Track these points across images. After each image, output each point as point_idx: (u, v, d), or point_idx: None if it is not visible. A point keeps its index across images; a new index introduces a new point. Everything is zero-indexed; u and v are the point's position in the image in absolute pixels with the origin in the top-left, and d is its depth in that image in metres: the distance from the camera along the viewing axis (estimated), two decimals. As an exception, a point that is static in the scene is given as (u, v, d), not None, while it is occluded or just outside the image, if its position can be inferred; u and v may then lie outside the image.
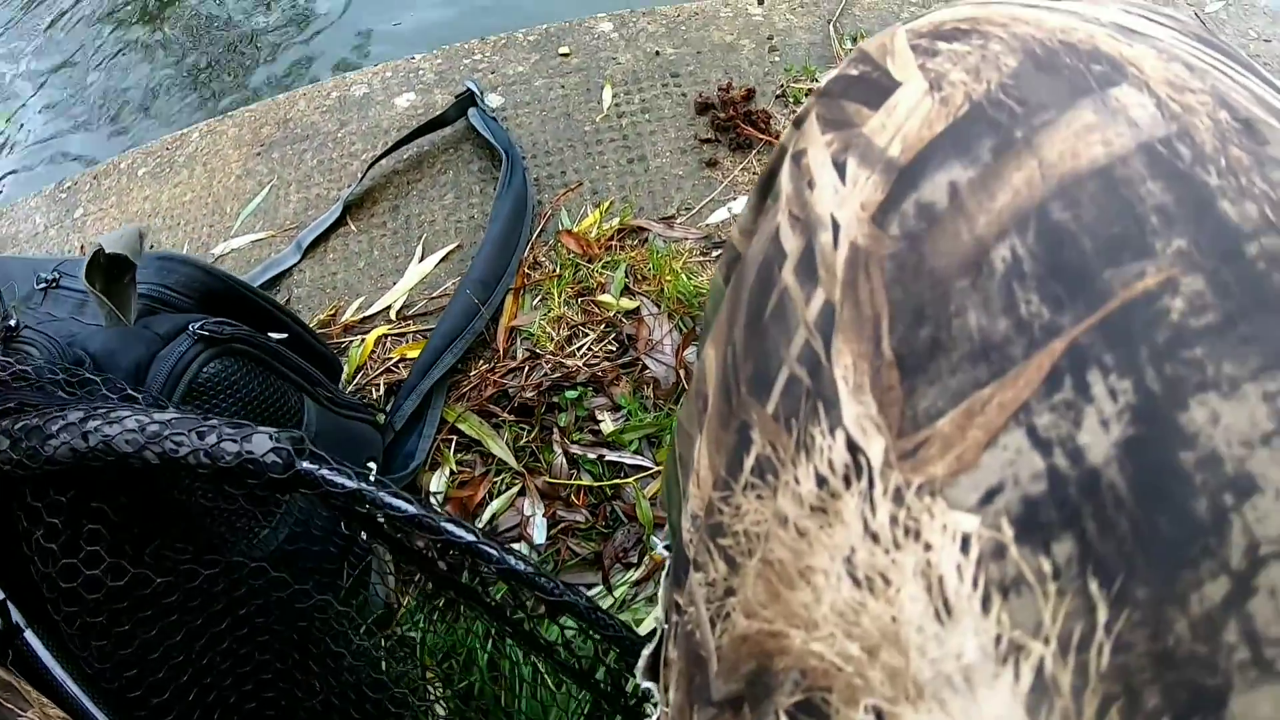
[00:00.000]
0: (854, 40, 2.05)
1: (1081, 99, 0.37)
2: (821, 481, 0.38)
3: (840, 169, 0.41)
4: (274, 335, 1.09)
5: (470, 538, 0.70)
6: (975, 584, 0.31)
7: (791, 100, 1.89)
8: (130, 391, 0.73)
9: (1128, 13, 0.45)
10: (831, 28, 2.09)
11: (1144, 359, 0.30)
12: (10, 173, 3.23)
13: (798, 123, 0.47)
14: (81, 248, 1.91)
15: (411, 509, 0.70)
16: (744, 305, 0.45)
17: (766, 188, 0.49)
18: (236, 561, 0.75)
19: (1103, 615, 0.29)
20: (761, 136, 1.76)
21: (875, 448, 0.35)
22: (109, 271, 0.85)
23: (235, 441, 0.65)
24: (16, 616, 0.62)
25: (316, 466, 0.66)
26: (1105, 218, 0.33)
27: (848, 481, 0.37)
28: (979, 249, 0.35)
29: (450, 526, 0.70)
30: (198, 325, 0.93)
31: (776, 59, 2.01)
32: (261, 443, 0.65)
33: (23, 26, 4.19)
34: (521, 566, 0.70)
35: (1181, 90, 0.37)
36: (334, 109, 1.97)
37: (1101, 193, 0.34)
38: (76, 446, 0.62)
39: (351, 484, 0.67)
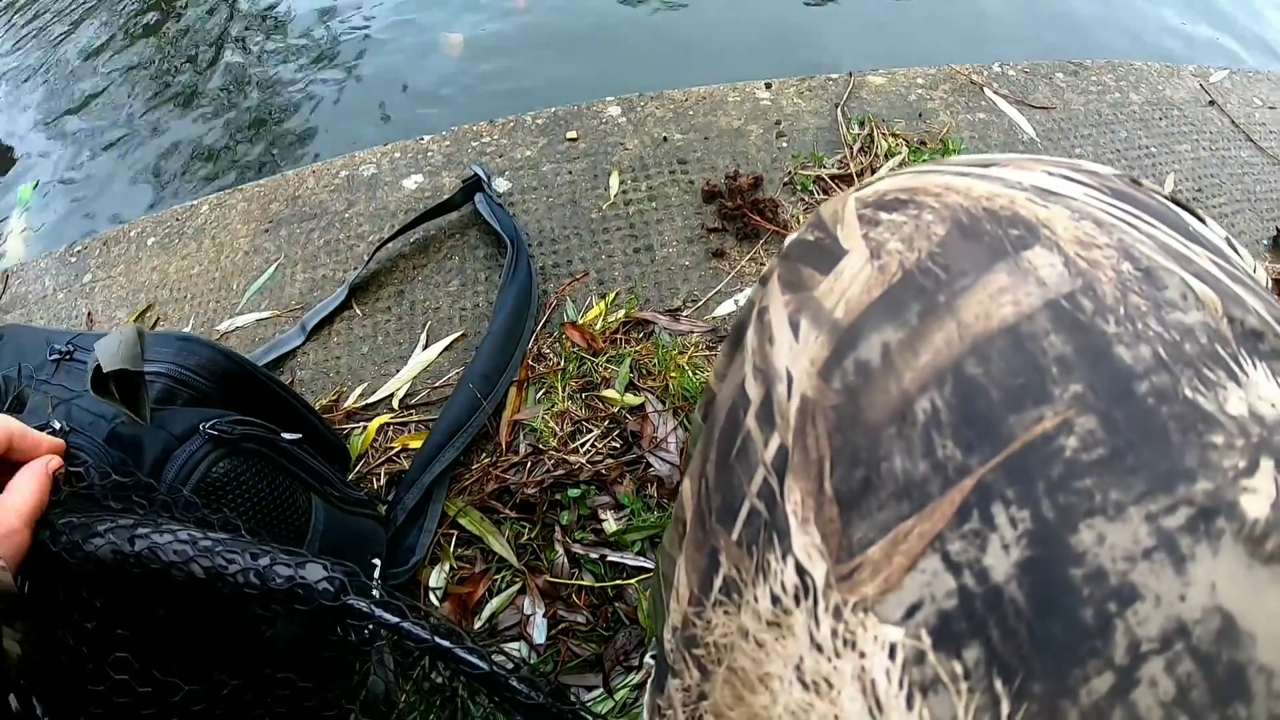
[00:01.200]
0: (861, 124, 2.09)
1: (998, 263, 0.44)
2: (776, 600, 0.45)
3: (795, 328, 0.50)
4: (287, 435, 1.09)
5: (433, 641, 0.71)
6: (901, 685, 0.38)
7: (799, 188, 1.91)
8: (190, 497, 0.77)
9: (1050, 174, 0.53)
10: (839, 112, 2.13)
11: (1040, 491, 0.36)
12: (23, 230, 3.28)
13: (764, 281, 0.56)
14: (89, 315, 1.93)
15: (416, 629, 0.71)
16: (715, 444, 0.53)
17: (738, 337, 0.56)
18: (265, 674, 0.77)
19: (1006, 709, 0.35)
20: (768, 226, 1.77)
21: (819, 572, 0.43)
22: (118, 383, 0.86)
23: (289, 566, 0.68)
24: (40, 710, 0.63)
25: (364, 602, 0.69)
26: (1011, 370, 0.40)
27: (797, 600, 0.44)
28: (904, 401, 0.42)
29: (418, 632, 0.72)
30: (209, 425, 0.94)
31: (784, 145, 2.04)
32: (315, 571, 0.69)
33: (44, 84, 4.28)
34: (488, 669, 0.71)
35: (1089, 246, 0.45)
36: (342, 188, 2.00)
37: (1009, 348, 0.41)
38: (121, 549, 0.64)
39: (394, 619, 0.69)
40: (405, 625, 0.70)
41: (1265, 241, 2.12)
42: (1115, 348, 0.40)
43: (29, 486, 0.65)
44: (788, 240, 0.57)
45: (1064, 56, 2.58)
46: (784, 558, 0.45)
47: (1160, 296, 0.42)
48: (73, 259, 2.08)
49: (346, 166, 2.05)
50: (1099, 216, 0.47)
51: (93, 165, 3.54)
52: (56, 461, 0.70)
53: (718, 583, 0.50)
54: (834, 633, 0.42)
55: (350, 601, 0.68)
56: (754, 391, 0.50)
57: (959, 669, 0.36)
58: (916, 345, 0.43)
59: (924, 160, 1.96)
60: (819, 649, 0.42)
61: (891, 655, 0.39)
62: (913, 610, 0.38)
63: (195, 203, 2.11)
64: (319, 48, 3.86)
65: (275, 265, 1.88)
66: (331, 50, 3.80)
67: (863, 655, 0.40)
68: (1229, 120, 2.48)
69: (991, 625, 0.36)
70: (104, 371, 0.83)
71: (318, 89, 3.56)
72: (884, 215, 0.51)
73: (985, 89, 2.31)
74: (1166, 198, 0.61)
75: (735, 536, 0.49)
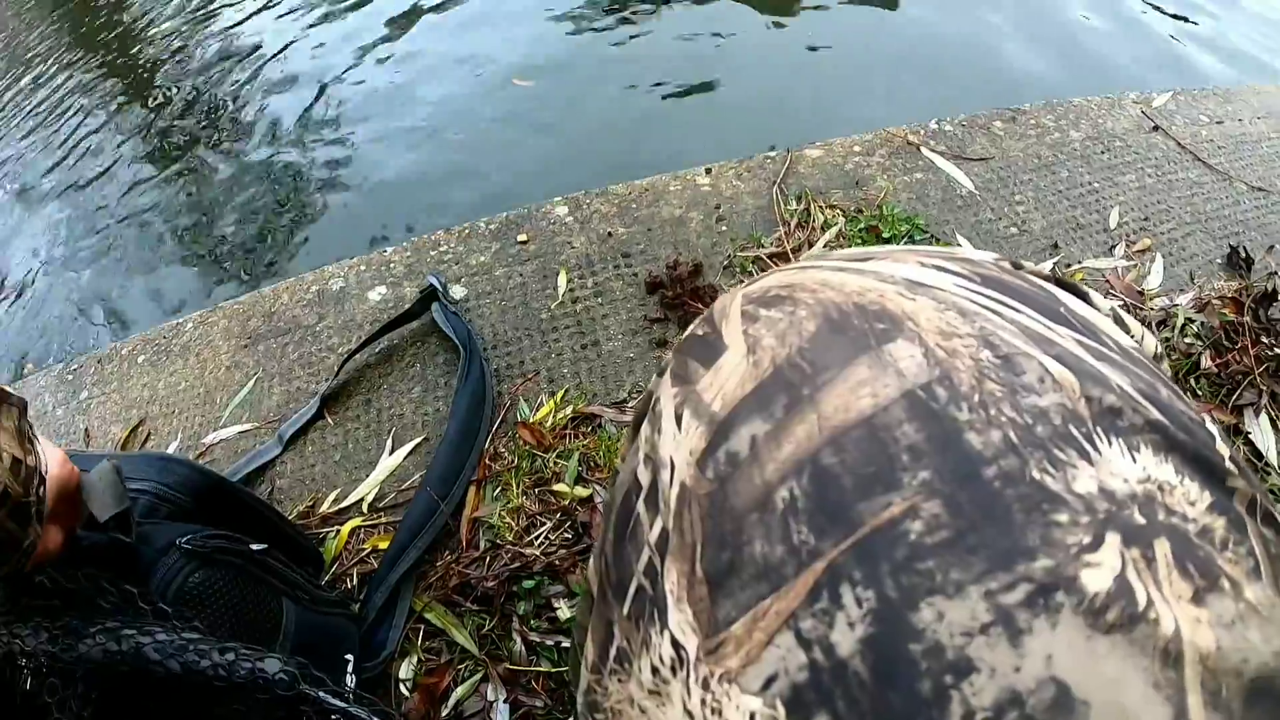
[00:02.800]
0: (799, 199, 2.18)
1: (860, 356, 0.49)
2: (655, 670, 0.49)
3: (679, 419, 0.55)
4: (255, 546, 1.21)
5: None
6: None
7: (739, 270, 2.01)
8: (163, 606, 0.89)
9: (922, 265, 0.59)
10: (776, 190, 2.22)
11: (885, 573, 0.40)
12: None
13: (660, 373, 0.62)
14: (86, 431, 2.06)
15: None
16: (612, 526, 0.58)
17: (636, 425, 0.63)
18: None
19: None
20: None
21: (691, 645, 0.47)
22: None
23: (249, 660, 0.83)
24: None
25: (316, 688, 0.84)
26: (864, 459, 0.44)
27: (674, 670, 0.48)
28: (766, 490, 0.46)
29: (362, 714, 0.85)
30: (185, 540, 1.07)
31: (724, 229, 2.14)
32: (272, 664, 0.83)
33: (40, 198, 4.47)
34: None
35: (950, 336, 0.50)
36: (313, 302, 2.13)
37: (864, 438, 0.45)
38: (109, 649, 0.78)
39: (342, 704, 0.83)
40: (353, 710, 0.83)
41: (1219, 261, 2.15)
42: (966, 434, 0.44)
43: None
44: (683, 335, 0.62)
45: (1005, 104, 2.62)
46: (662, 632, 0.49)
47: (1017, 382, 0.47)
48: (70, 377, 2.22)
49: (317, 281, 2.19)
50: (964, 306, 0.52)
51: (80, 282, 3.72)
52: None
53: (613, 652, 0.54)
54: (703, 701, 0.45)
55: (304, 690, 0.81)
56: (644, 477, 0.55)
57: None
58: (780, 437, 0.47)
59: (860, 229, 2.05)
60: (690, 716, 0.46)
61: None
62: (769, 682, 0.42)
63: (180, 320, 2.25)
64: (294, 157, 4.04)
65: (254, 380, 2.01)
66: (304, 162, 3.99)
67: None
68: (1175, 142, 2.52)
69: (838, 696, 0.39)
70: (99, 521, 0.96)
71: (295, 200, 3.74)
72: (764, 311, 0.57)
73: (921, 148, 2.37)
74: (1046, 278, 0.66)
75: (626, 610, 0.53)
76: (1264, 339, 1.88)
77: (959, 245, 2.01)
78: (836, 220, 2.10)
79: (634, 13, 4.40)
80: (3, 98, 6.88)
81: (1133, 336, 0.79)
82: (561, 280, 2.04)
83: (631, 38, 4.26)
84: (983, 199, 2.23)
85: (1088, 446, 0.44)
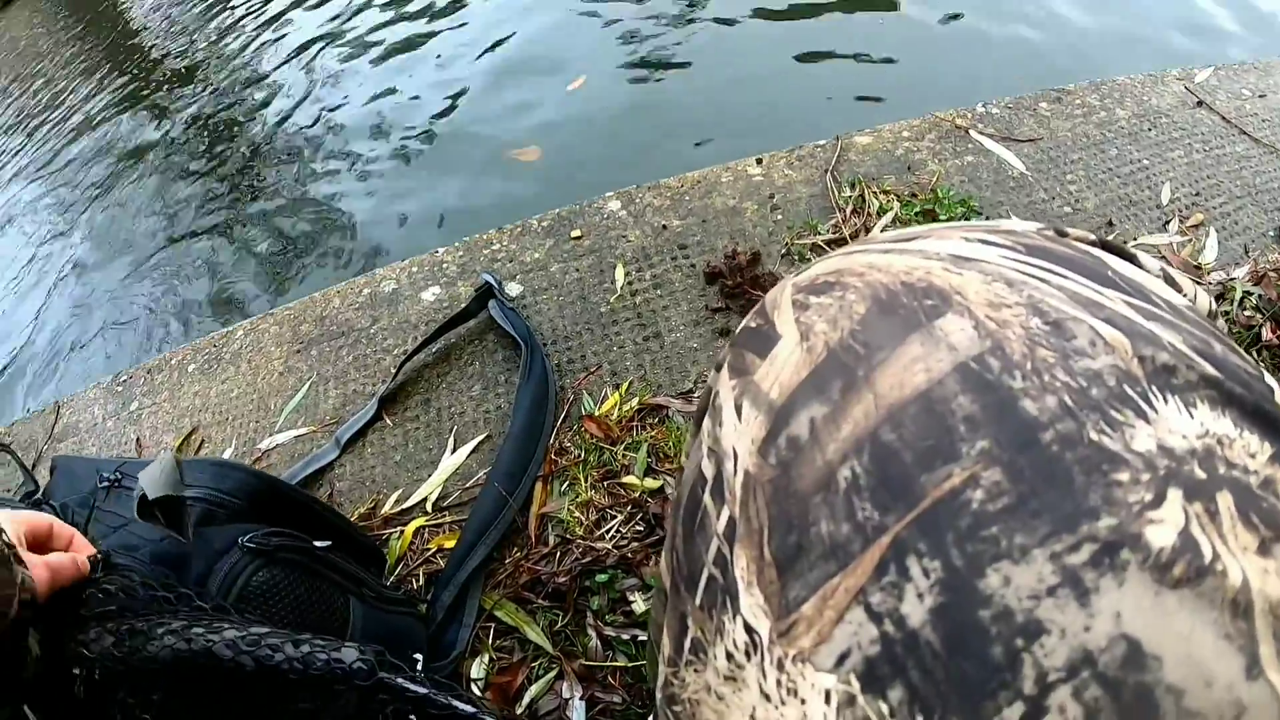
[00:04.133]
0: (852, 186, 2.16)
1: (912, 334, 0.50)
2: (730, 657, 0.50)
3: (739, 410, 0.56)
4: (319, 544, 1.20)
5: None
6: None
7: (797, 257, 1.99)
8: (222, 603, 0.89)
9: (966, 240, 0.59)
10: (829, 177, 2.21)
11: (950, 542, 0.41)
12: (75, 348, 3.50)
13: (718, 367, 0.62)
14: (138, 441, 2.06)
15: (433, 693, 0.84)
16: (680, 520, 0.59)
17: (698, 420, 0.63)
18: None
19: None
20: None
21: (764, 629, 0.47)
22: (162, 509, 0.98)
23: (325, 651, 0.81)
24: None
25: (394, 675, 0.81)
26: (922, 433, 0.45)
27: (748, 655, 0.49)
28: (828, 471, 0.47)
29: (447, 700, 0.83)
30: (247, 538, 1.06)
31: (779, 218, 2.12)
32: (349, 653, 0.82)
33: (83, 213, 4.53)
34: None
35: (999, 307, 0.50)
36: (366, 305, 2.13)
37: (921, 413, 0.46)
38: (179, 649, 0.76)
39: (424, 690, 0.81)
40: (434, 695, 0.81)
41: (1272, 233, 2.12)
42: (1021, 401, 0.44)
43: (59, 558, 0.80)
44: (738, 327, 0.63)
45: (1048, 85, 2.61)
46: (735, 618, 0.50)
47: (1068, 346, 0.47)
48: (119, 388, 2.23)
49: (369, 284, 2.19)
50: (1011, 276, 0.52)
51: (131, 294, 3.75)
52: (85, 556, 0.84)
53: (687, 644, 0.56)
54: (779, 683, 0.46)
55: (383, 677, 0.80)
56: (708, 470, 0.56)
57: (885, 709, 0.40)
58: (839, 418, 0.48)
59: (915, 213, 2.03)
60: (767, 699, 0.47)
61: (827, 700, 0.43)
62: (842, 658, 0.43)
63: (230, 329, 2.26)
64: (342, 164, 4.08)
65: (309, 384, 2.01)
66: (358, 164, 4.02)
67: (804, 702, 0.45)
68: (1220, 117, 2.48)
69: (911, 667, 0.40)
70: (149, 500, 0.95)
71: (340, 204, 3.76)
72: (813, 299, 0.57)
73: (970, 131, 2.36)
74: (1092, 243, 0.67)
75: (698, 601, 0.54)
76: None
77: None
78: (891, 205, 2.08)
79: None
80: (41, 117, 7.00)
81: (1185, 295, 0.78)
82: (619, 274, 2.03)
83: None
84: (1035, 179, 2.21)
85: (1144, 405, 0.44)
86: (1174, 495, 0.39)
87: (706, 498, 0.56)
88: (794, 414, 0.51)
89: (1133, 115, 2.47)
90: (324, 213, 3.80)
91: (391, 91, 4.54)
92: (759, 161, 2.29)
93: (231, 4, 7.28)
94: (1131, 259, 0.73)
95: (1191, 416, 0.44)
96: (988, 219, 2.05)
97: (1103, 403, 0.44)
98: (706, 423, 0.59)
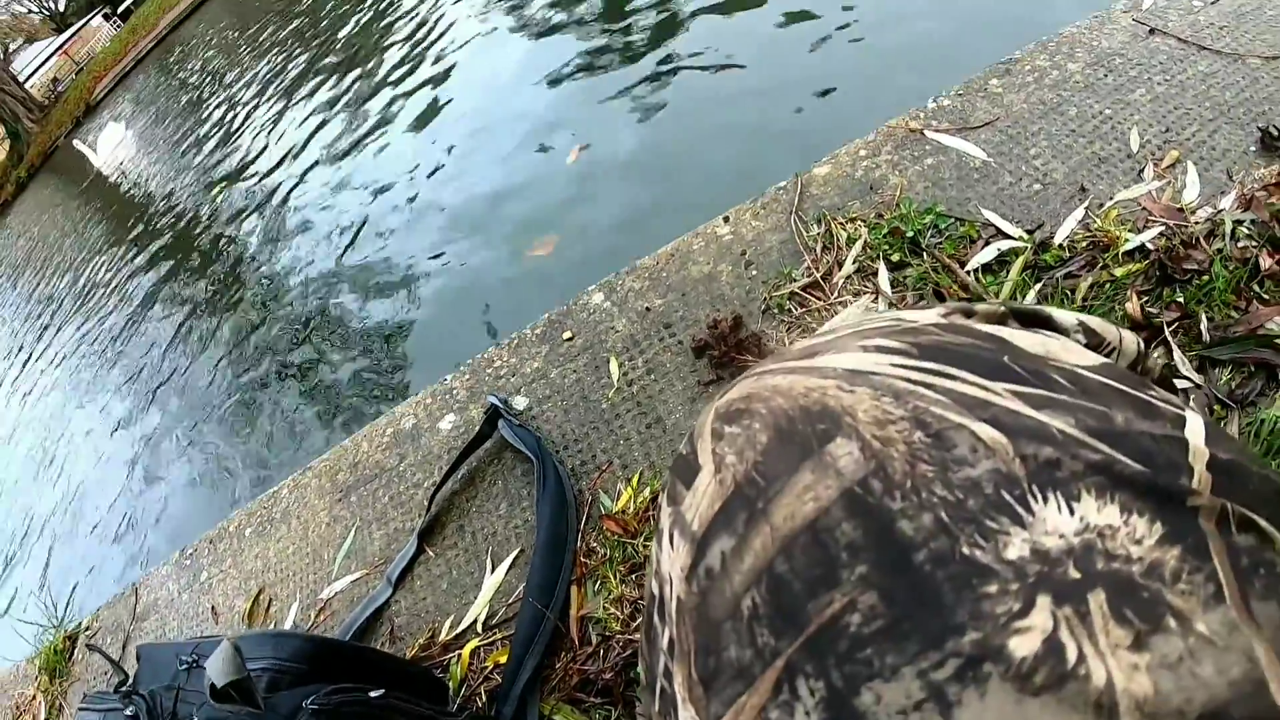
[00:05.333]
0: (819, 222, 2.19)
1: (805, 461, 0.57)
2: None
3: (671, 539, 0.63)
4: (373, 693, 1.31)
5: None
6: None
7: (776, 310, 2.04)
8: None
9: (864, 350, 0.65)
10: (794, 219, 2.24)
11: (831, 664, 0.46)
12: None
13: (662, 491, 0.73)
14: (213, 609, 2.23)
15: None
16: (643, 632, 0.66)
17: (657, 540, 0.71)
18: None
19: None
20: (757, 361, 1.88)
21: None
22: (236, 688, 1.10)
23: None
24: None
25: None
26: (810, 563, 0.50)
27: None
28: (735, 600, 0.52)
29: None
30: (310, 701, 1.18)
31: (754, 273, 2.16)
32: None
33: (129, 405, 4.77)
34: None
35: (884, 424, 0.56)
36: (391, 444, 2.24)
37: (809, 543, 0.51)
38: None
39: None
40: None
41: (1253, 148, 2.05)
42: (899, 523, 0.49)
43: None
44: (676, 452, 0.72)
45: (997, 58, 2.57)
46: None
47: (948, 458, 0.51)
48: (188, 562, 2.40)
49: (391, 424, 2.30)
50: (899, 388, 0.57)
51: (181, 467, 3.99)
52: None
53: None
54: None
55: None
56: (655, 590, 0.63)
57: None
58: (742, 551, 0.54)
59: (884, 235, 2.05)
60: None
61: None
62: None
63: (276, 488, 2.40)
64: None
65: (354, 530, 2.13)
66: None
67: None
68: (1175, 40, 2.41)
69: None
70: (220, 689, 1.06)
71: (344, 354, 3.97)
72: (727, 428, 0.64)
73: (925, 131, 2.35)
74: (1002, 316, 0.72)
75: (656, 707, 0.60)
76: None
77: (987, 220, 2.02)
78: (859, 233, 2.10)
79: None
80: (77, 300, 7.36)
81: (1108, 344, 0.82)
82: (613, 367, 2.10)
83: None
84: (998, 164, 2.20)
85: (1021, 510, 0.48)
86: (1043, 601, 0.42)
87: (655, 616, 0.62)
88: (709, 545, 0.57)
89: (1086, 66, 2.43)
90: (374, 344, 3.99)
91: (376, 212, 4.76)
92: (726, 220, 2.33)
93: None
94: (1045, 321, 0.78)
95: (1073, 512, 0.47)
96: (959, 221, 2.05)
97: (978, 513, 0.48)
98: (654, 546, 0.66)
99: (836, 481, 0.53)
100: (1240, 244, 1.82)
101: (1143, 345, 0.92)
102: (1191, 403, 0.85)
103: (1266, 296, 1.70)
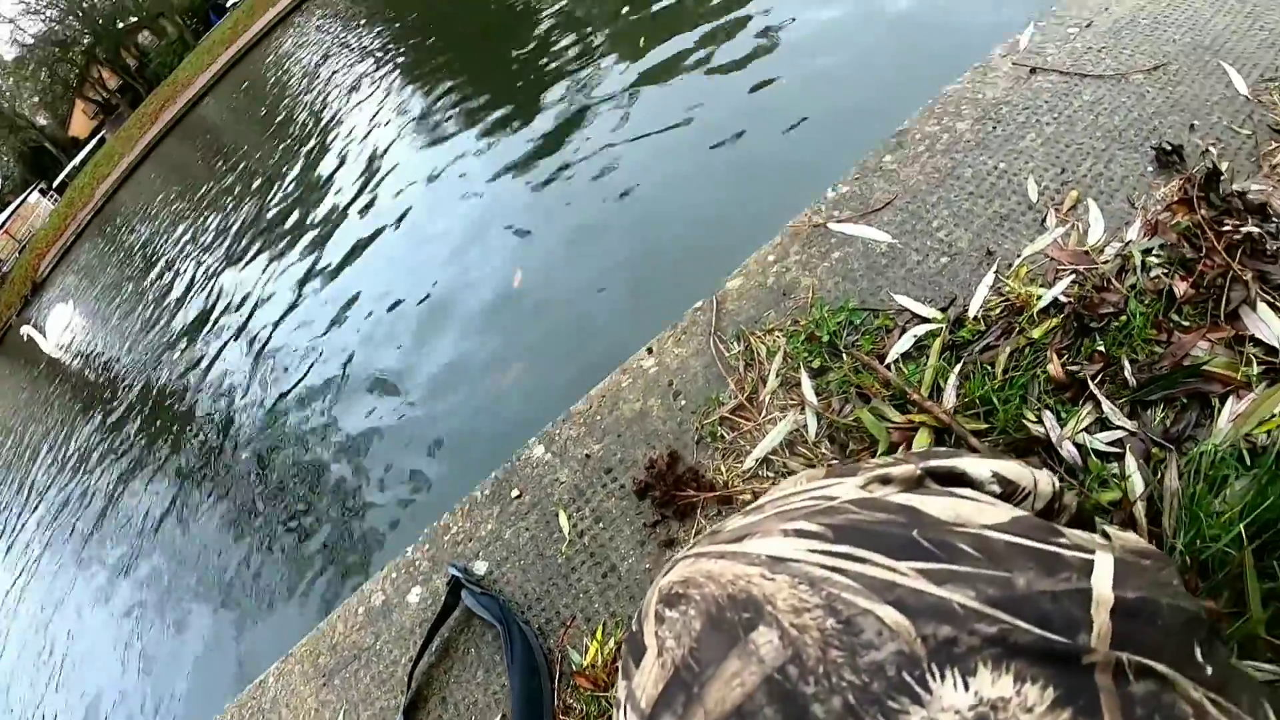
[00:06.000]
0: (738, 339, 2.23)
1: (732, 650, 0.64)
2: None
3: (625, 712, 0.71)
4: None
5: None
6: None
7: (710, 439, 2.07)
8: None
9: (784, 534, 0.73)
10: (713, 341, 2.28)
11: None
12: None
13: (619, 655, 0.85)
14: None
15: None
16: None
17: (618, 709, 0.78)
18: None
19: None
20: (697, 495, 1.94)
21: None
22: None
23: None
24: None
25: None
26: None
27: None
28: None
29: None
30: None
31: (683, 403, 2.20)
32: None
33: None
34: None
35: (800, 612, 0.63)
36: (366, 623, 2.27)
37: None
38: None
39: None
40: None
41: (1151, 169, 2.08)
42: (812, 707, 0.56)
43: None
44: (627, 627, 0.82)
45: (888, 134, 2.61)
46: None
47: (857, 642, 0.58)
48: (185, 763, 2.40)
49: (362, 601, 2.33)
50: (814, 575, 0.65)
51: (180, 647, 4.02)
52: None
53: None
54: None
55: None
56: None
57: None
58: None
59: (801, 341, 2.09)
60: None
61: None
62: None
63: (262, 677, 2.42)
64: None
65: (342, 713, 2.15)
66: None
67: None
68: (1058, 74, 2.47)
69: None
70: None
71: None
72: (668, 612, 0.71)
73: (828, 224, 2.39)
74: (918, 479, 0.81)
75: None
76: (1228, 221, 1.84)
77: (901, 306, 2.05)
78: (778, 345, 2.14)
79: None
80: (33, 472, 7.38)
81: (1020, 491, 0.88)
82: (563, 520, 2.14)
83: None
84: (904, 244, 2.23)
85: (920, 690, 0.54)
86: None
87: None
88: None
89: (974, 122, 2.47)
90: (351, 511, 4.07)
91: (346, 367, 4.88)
92: (650, 351, 2.37)
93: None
94: (960, 478, 0.84)
95: (968, 687, 0.53)
96: (874, 313, 2.08)
97: (881, 695, 0.54)
98: (615, 712, 0.81)
99: (759, 669, 0.61)
100: (1152, 275, 1.84)
101: (1058, 483, 0.97)
102: (1104, 535, 0.90)
103: (1186, 323, 1.73)
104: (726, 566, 0.70)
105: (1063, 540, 0.68)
